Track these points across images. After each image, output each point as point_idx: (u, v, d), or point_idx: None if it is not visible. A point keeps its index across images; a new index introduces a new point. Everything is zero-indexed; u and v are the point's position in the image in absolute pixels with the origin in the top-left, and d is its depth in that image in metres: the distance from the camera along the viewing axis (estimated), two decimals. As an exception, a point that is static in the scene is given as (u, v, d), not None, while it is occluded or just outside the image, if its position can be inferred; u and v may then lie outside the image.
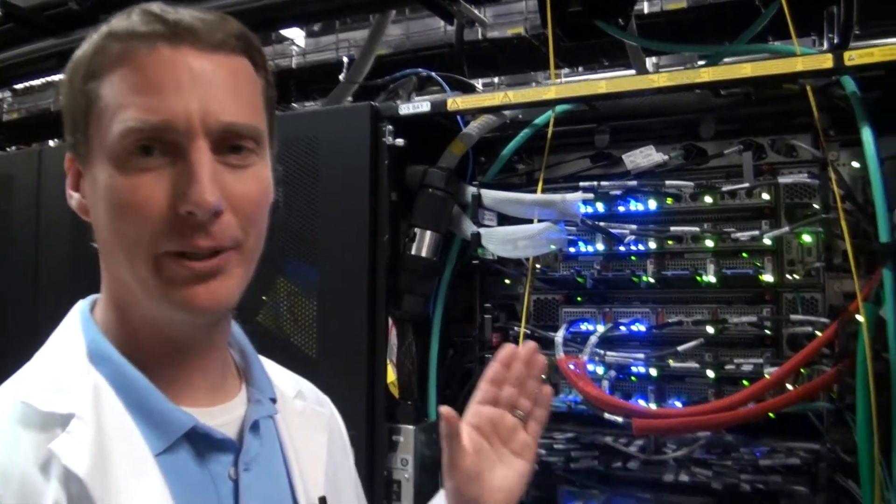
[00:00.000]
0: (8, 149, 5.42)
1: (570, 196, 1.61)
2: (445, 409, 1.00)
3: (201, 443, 0.78)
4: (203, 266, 0.72)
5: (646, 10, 7.16)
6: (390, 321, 1.64)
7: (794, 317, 1.59)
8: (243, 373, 0.90)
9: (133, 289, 0.74)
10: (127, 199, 0.70)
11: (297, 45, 11.26)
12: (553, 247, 1.68)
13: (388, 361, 1.64)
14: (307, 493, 0.89)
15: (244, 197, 0.74)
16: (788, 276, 1.65)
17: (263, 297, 1.71)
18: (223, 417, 0.82)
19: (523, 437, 1.02)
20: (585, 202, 1.64)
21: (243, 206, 0.74)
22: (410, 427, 1.64)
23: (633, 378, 1.69)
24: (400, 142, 1.62)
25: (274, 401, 0.90)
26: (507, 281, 1.83)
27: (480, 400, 1.03)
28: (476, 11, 4.65)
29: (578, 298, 1.78)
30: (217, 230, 0.72)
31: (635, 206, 1.68)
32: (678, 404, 1.64)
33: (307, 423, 0.95)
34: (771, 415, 1.58)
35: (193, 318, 0.76)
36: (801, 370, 1.57)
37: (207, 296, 0.73)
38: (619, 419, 1.57)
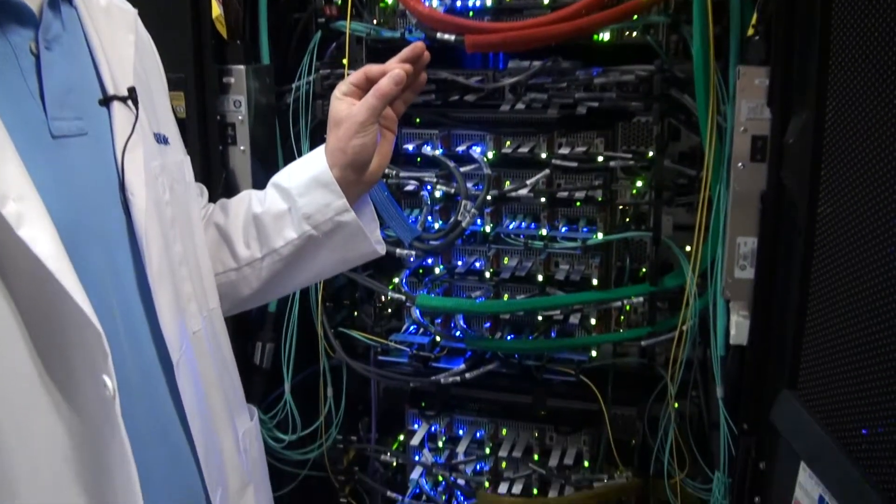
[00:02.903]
0: None
1: None
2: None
3: None
4: None
5: None
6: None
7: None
8: None
9: None
10: None
11: None
12: None
13: (211, -4, 1.54)
14: (115, 82, 0.89)
15: None
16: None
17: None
18: None
19: (390, 112, 1.15)
20: None
21: None
22: (241, 67, 1.57)
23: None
24: None
25: None
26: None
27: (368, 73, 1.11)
28: None
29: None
30: None
31: None
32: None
33: (113, 19, 0.95)
34: (607, 39, 1.58)
35: None
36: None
37: None
38: (452, 37, 1.52)
